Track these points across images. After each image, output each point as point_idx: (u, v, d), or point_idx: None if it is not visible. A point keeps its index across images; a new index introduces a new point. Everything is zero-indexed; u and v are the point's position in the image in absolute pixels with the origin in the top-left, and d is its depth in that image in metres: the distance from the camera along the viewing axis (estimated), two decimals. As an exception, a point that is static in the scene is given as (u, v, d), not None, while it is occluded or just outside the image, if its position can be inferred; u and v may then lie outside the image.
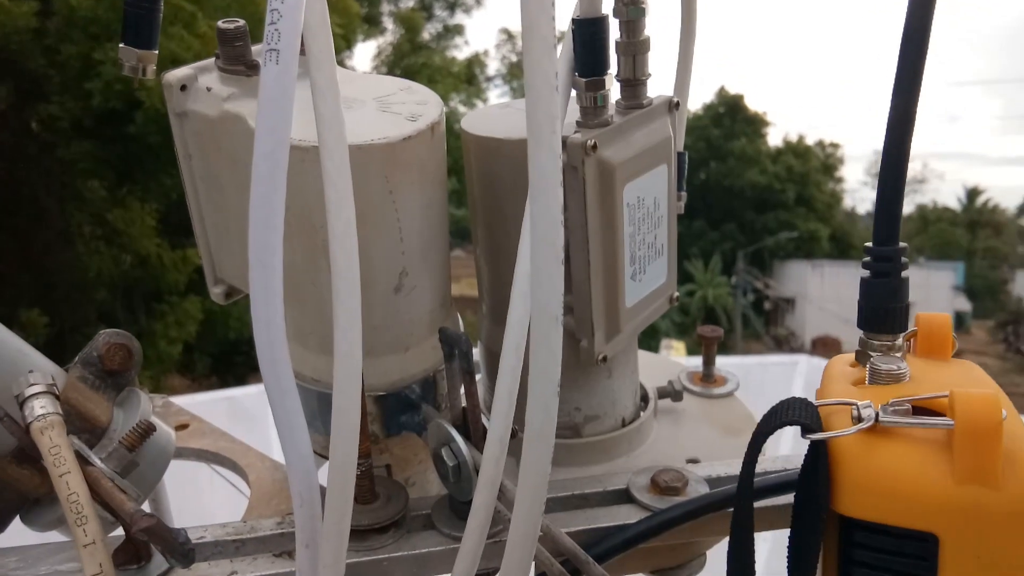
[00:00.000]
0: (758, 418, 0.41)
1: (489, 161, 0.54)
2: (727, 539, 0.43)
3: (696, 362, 0.71)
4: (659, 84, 0.53)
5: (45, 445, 0.41)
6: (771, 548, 0.52)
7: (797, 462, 0.53)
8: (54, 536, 0.48)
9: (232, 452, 0.63)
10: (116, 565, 0.44)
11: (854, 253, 20.51)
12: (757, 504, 0.46)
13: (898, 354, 0.43)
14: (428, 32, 15.58)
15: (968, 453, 0.35)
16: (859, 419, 0.38)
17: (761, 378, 2.79)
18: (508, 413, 0.37)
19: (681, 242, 0.58)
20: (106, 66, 7.54)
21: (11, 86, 8.21)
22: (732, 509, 0.44)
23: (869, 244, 0.43)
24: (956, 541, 0.35)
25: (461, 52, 15.71)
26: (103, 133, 8.40)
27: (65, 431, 0.42)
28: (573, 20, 0.47)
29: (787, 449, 0.66)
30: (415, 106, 0.50)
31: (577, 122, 0.49)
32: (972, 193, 29.48)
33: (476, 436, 0.46)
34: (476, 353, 0.58)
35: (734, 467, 0.53)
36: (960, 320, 20.39)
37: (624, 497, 0.52)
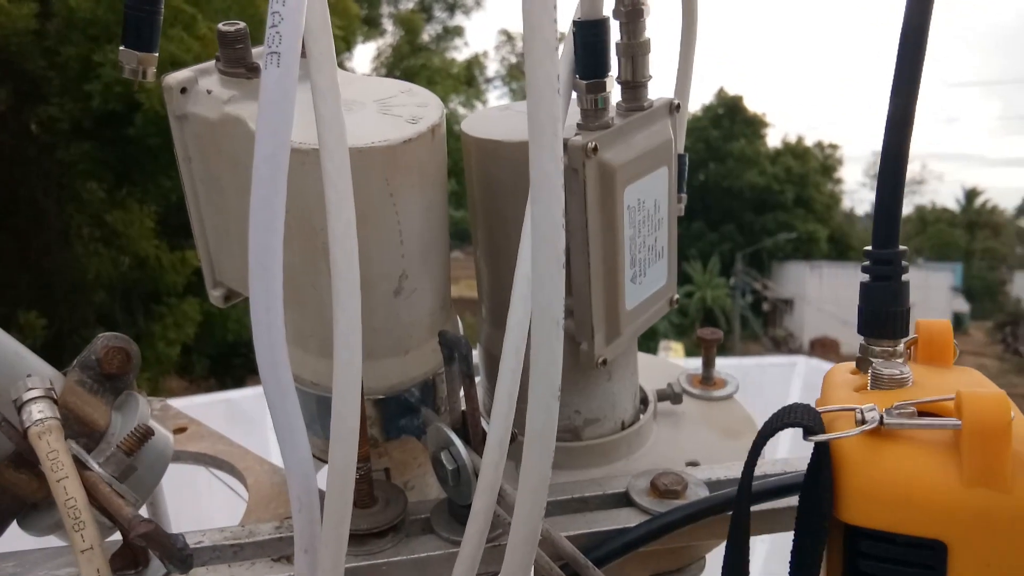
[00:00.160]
0: (757, 419, 0.41)
1: (489, 163, 0.54)
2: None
3: (695, 364, 0.71)
4: (659, 85, 0.54)
5: (43, 450, 0.41)
6: (769, 550, 0.52)
7: (797, 465, 0.53)
8: (51, 541, 0.48)
9: (230, 455, 0.62)
10: (114, 570, 0.43)
11: (853, 254, 20.56)
12: (756, 507, 0.46)
13: (900, 359, 0.42)
14: (428, 34, 15.57)
15: (977, 454, 0.34)
16: (863, 421, 0.36)
17: (759, 379, 2.78)
18: (508, 416, 0.37)
19: (680, 243, 0.58)
20: (106, 68, 7.52)
21: (10, 88, 8.20)
22: (732, 512, 0.43)
23: (869, 248, 0.42)
24: (965, 548, 0.34)
25: (460, 54, 15.72)
26: (102, 135, 8.38)
27: (63, 435, 0.41)
28: (574, 22, 0.46)
29: (785, 452, 0.66)
30: (415, 108, 0.50)
31: (578, 124, 0.49)
32: (971, 194, 29.50)
33: (475, 440, 0.46)
34: (475, 356, 0.58)
35: (734, 470, 0.53)
36: (958, 321, 20.38)
37: (624, 500, 0.52)
